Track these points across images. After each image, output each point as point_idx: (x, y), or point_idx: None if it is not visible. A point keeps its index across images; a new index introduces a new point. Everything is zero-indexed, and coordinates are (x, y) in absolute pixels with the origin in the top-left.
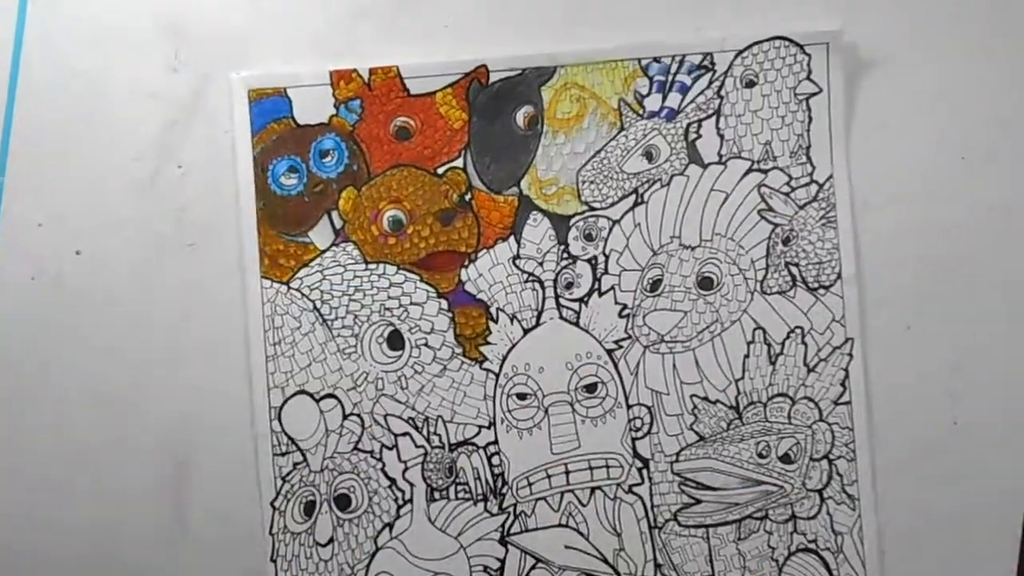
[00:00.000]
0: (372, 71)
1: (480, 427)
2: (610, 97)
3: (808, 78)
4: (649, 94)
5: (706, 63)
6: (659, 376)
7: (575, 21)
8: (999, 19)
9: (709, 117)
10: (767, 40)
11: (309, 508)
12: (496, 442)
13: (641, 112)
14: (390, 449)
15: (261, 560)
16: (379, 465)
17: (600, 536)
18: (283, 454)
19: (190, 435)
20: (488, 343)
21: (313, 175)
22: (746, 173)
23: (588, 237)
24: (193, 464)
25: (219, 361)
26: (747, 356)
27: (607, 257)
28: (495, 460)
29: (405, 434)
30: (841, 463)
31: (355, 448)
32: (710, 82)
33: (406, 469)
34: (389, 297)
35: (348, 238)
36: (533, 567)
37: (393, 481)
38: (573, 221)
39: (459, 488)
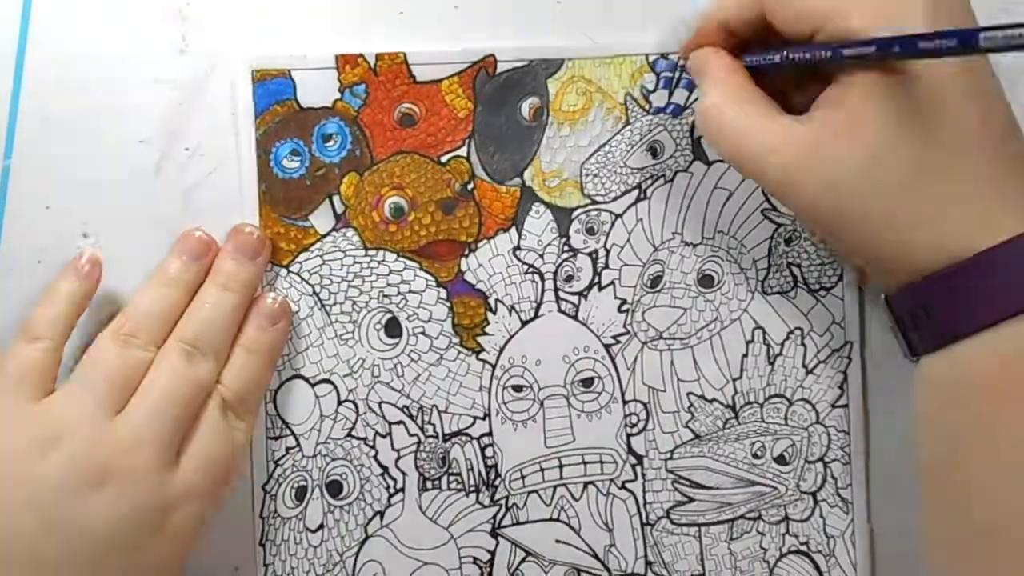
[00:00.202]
0: (379, 56)
1: (475, 418)
2: (616, 92)
3: None
4: (656, 90)
5: None
6: (656, 373)
7: (585, 14)
8: None
9: None
10: None
11: (300, 493)
12: (490, 433)
13: (647, 107)
14: (384, 437)
15: (249, 543)
16: (372, 453)
17: (592, 531)
18: (276, 438)
19: None
20: (486, 334)
21: (315, 159)
22: None
23: (590, 231)
24: None
25: None
26: (745, 356)
27: (608, 251)
28: (489, 452)
29: (399, 422)
30: (836, 466)
31: (349, 435)
32: None
33: (399, 458)
34: (388, 284)
35: (349, 223)
36: (523, 560)
37: (385, 469)
38: (575, 214)
39: (451, 479)
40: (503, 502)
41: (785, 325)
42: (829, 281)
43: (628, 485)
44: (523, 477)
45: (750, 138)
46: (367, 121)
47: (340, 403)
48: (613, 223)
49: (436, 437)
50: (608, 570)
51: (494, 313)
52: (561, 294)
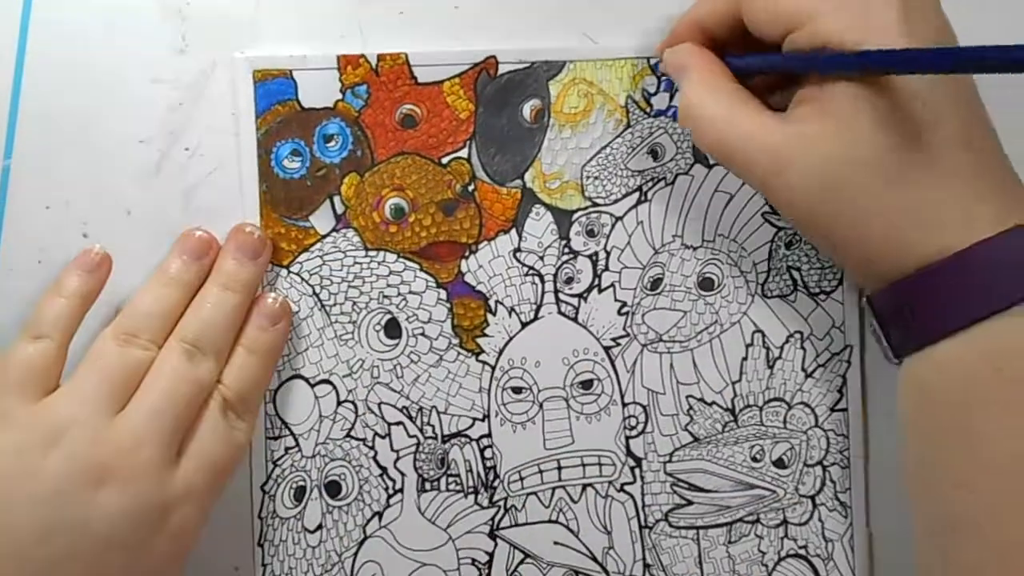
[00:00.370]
0: (380, 57)
1: (474, 419)
2: (618, 94)
3: None
4: (657, 92)
5: None
6: (656, 375)
7: (586, 16)
8: None
9: None
10: None
11: (299, 493)
12: (489, 435)
13: (648, 110)
14: (383, 438)
15: (248, 544)
16: (371, 453)
17: (590, 534)
18: (275, 438)
19: None
20: (485, 335)
21: (316, 159)
22: None
23: (590, 233)
24: None
25: None
26: (745, 359)
27: (608, 254)
28: (488, 453)
29: (398, 423)
30: (835, 470)
31: (348, 435)
32: None
33: (398, 459)
34: (388, 285)
35: (349, 224)
36: (521, 562)
37: (384, 470)
38: (576, 216)
39: (450, 480)
40: (502, 503)
41: (785, 329)
42: (829, 285)
43: (627, 487)
44: (522, 479)
45: (736, 129)
46: (368, 122)
47: (339, 404)
48: (613, 225)
49: (435, 438)
50: (606, 572)
51: (494, 314)
52: (561, 296)
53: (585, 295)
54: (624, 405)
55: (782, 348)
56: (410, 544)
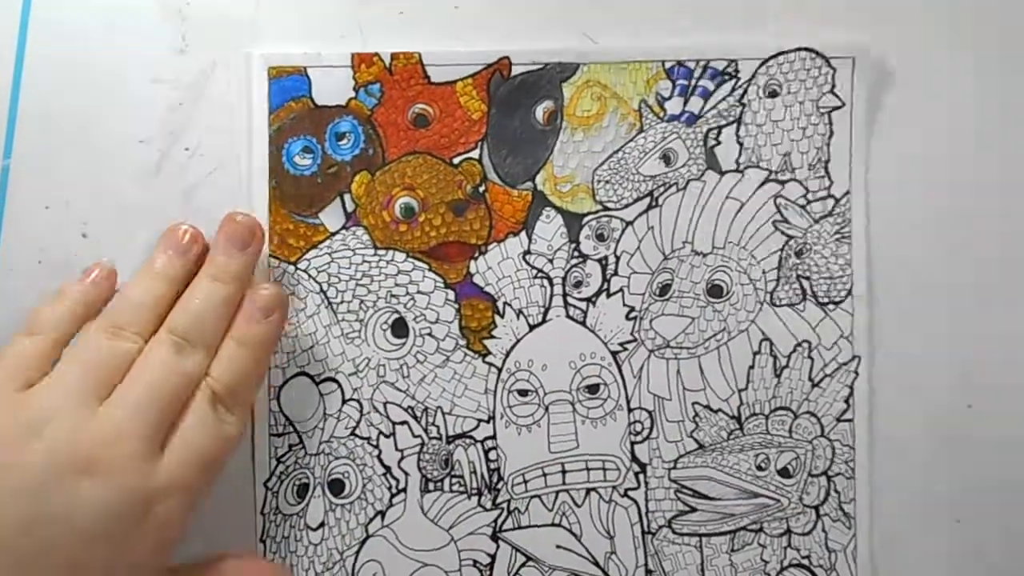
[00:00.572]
0: (394, 56)
1: (479, 421)
2: (631, 98)
3: (832, 91)
4: (671, 97)
5: (730, 70)
6: (662, 381)
7: (601, 19)
8: None
9: (729, 124)
10: (793, 51)
11: (302, 491)
12: (494, 437)
13: (662, 115)
14: (387, 437)
15: (251, 540)
16: (375, 452)
17: (593, 538)
18: (279, 435)
19: None
20: (493, 337)
21: (328, 157)
22: (763, 183)
23: (600, 237)
24: None
25: None
26: (752, 367)
27: (618, 258)
28: (492, 455)
29: (403, 423)
30: (840, 480)
31: (352, 434)
32: (732, 89)
33: (402, 458)
34: (396, 284)
35: (359, 222)
36: (523, 564)
37: (388, 469)
38: (586, 220)
39: (454, 481)
40: (505, 506)
41: (793, 337)
42: (838, 295)
43: (630, 493)
44: (526, 481)
45: None
46: (381, 120)
47: (344, 402)
48: (624, 230)
49: (440, 439)
50: None
51: (502, 316)
52: (569, 299)
53: (593, 299)
54: (630, 410)
55: (789, 357)
56: (412, 544)
